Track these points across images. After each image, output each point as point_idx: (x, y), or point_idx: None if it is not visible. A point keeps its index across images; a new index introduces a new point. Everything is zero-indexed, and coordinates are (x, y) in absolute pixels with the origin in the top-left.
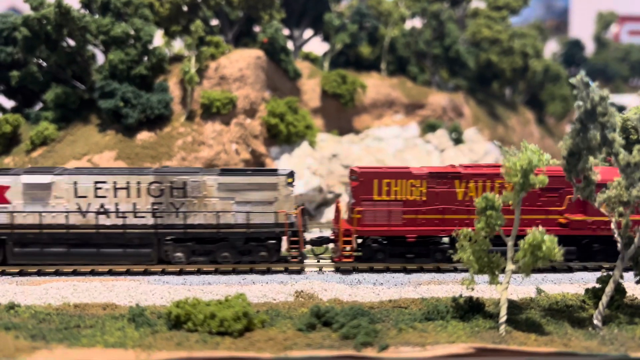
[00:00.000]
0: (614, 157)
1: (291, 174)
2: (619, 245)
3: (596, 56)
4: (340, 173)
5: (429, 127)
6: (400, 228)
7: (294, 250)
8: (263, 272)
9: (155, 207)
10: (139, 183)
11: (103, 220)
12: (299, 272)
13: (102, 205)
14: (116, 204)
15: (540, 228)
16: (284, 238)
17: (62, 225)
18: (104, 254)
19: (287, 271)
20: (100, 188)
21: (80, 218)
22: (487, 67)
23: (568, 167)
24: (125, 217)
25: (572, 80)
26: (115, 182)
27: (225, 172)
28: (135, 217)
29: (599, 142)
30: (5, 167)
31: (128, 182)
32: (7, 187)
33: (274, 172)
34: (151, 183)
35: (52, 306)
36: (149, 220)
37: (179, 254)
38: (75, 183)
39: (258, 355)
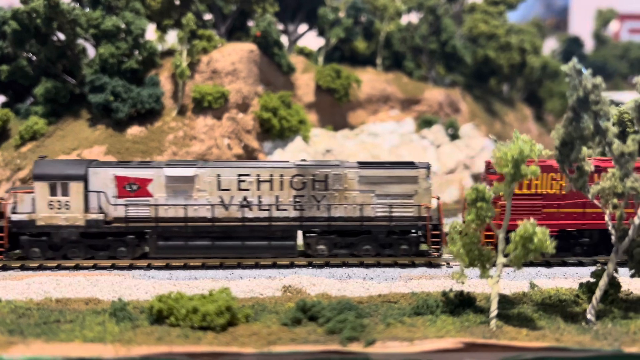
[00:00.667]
0: (608, 146)
1: (429, 167)
2: (612, 238)
3: (595, 53)
4: None
5: (425, 123)
6: (541, 222)
7: (435, 244)
8: (251, 267)
9: (297, 199)
10: (282, 176)
11: (245, 213)
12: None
13: (244, 198)
14: (259, 197)
15: (532, 220)
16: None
17: (206, 219)
18: (249, 247)
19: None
20: (243, 181)
21: (222, 211)
22: (485, 63)
23: (561, 157)
24: (268, 210)
25: (564, 68)
26: (258, 175)
27: (365, 165)
28: (278, 209)
29: (592, 131)
30: None
31: (271, 175)
32: (150, 180)
33: (412, 164)
34: (294, 176)
35: (33, 301)
36: (291, 213)
37: (321, 247)
38: (218, 176)
39: (240, 350)
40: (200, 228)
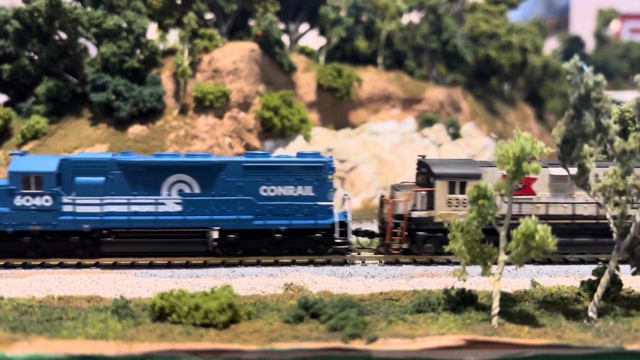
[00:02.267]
0: (609, 144)
1: None
2: (614, 235)
3: (596, 53)
4: (336, 167)
5: (426, 122)
6: None
7: None
8: (253, 265)
9: None
10: None
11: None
12: None
13: None
14: None
15: (533, 217)
16: None
17: (583, 216)
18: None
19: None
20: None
21: (594, 209)
22: (486, 63)
23: (562, 155)
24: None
25: (566, 65)
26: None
27: None
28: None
29: (594, 129)
30: None
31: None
32: (535, 179)
33: None
34: None
35: (35, 299)
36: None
37: None
38: (596, 175)
39: (242, 347)
40: (584, 225)
